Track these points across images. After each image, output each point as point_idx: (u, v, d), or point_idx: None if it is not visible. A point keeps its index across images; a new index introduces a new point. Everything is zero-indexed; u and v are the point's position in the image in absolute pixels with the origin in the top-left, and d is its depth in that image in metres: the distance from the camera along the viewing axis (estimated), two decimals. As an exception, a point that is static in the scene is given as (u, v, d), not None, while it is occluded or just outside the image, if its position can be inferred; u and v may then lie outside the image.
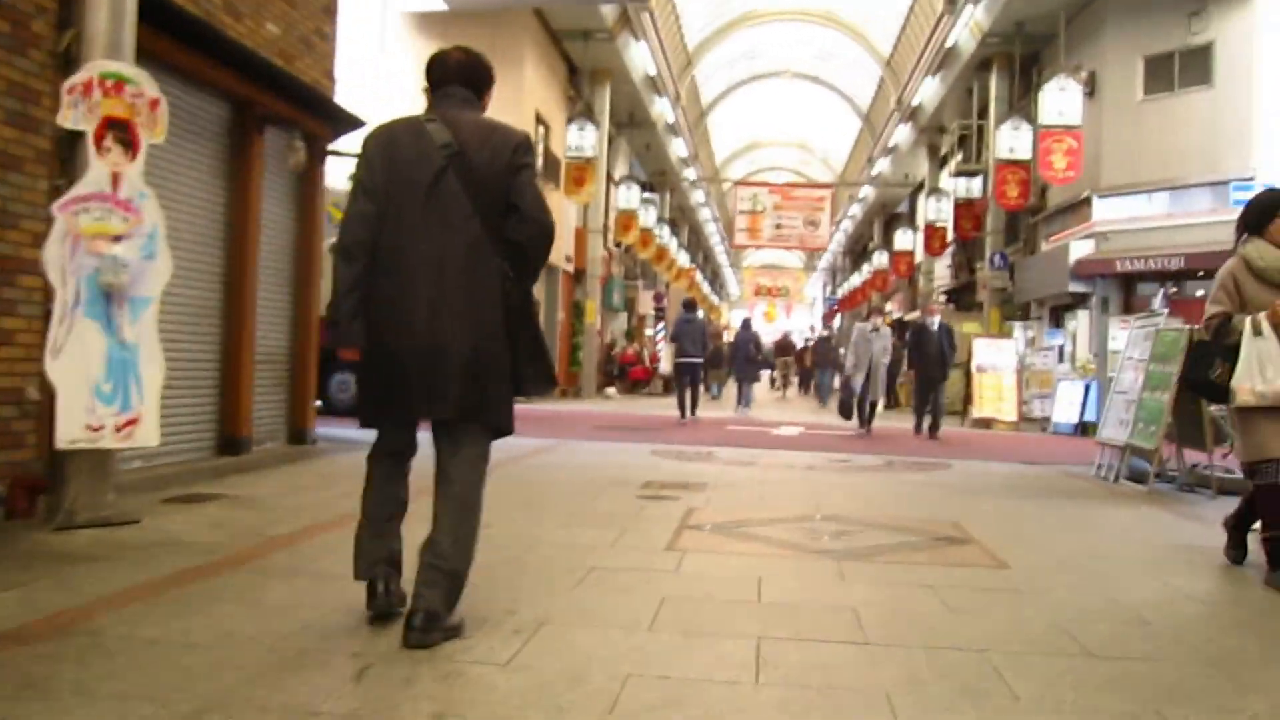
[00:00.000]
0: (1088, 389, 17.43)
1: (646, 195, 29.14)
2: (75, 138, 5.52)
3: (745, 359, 22.18)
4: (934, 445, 13.58)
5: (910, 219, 36.31)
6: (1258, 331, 4.89)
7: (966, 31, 22.75)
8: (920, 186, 33.71)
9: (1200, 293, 17.77)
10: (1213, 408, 10.32)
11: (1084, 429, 17.11)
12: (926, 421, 14.90)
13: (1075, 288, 19.50)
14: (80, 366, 5.29)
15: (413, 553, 3.54)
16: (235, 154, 8.55)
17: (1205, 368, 5.16)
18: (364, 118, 10.11)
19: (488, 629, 3.58)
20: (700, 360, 17.82)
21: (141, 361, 5.50)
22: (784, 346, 34.50)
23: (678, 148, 33.64)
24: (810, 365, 29.87)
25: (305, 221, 9.83)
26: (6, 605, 3.74)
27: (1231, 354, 4.99)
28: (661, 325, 36.06)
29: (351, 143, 10.31)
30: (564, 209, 23.77)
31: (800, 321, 65.19)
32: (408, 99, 3.92)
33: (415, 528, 3.63)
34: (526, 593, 4.15)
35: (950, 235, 26.74)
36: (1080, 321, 20.11)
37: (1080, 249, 19.31)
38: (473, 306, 3.46)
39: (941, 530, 6.18)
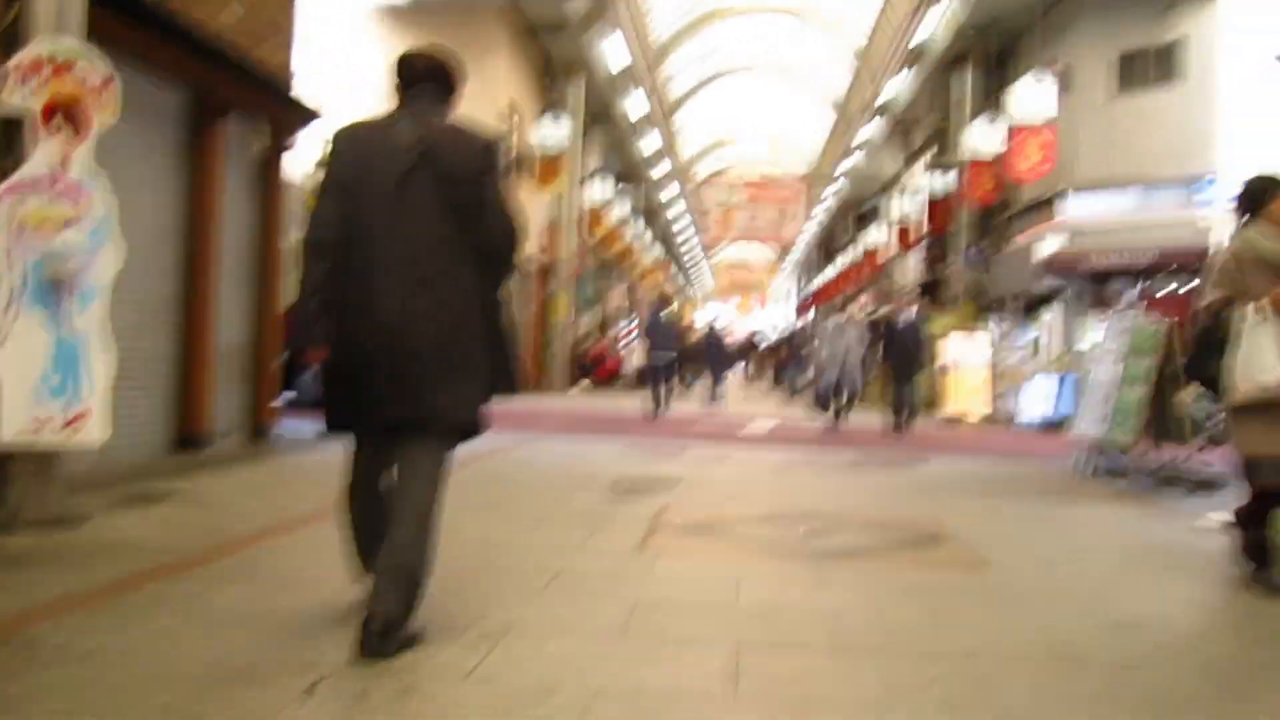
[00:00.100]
0: (1062, 382, 17.39)
1: (618, 189, 28.94)
2: (20, 119, 5.26)
3: (717, 354, 22.14)
4: (906, 441, 13.47)
5: (882, 214, 36.28)
6: (1261, 320, 4.63)
7: (941, 26, 22.68)
8: (892, 182, 33.67)
9: (1169, 289, 17.84)
10: (1189, 400, 10.31)
11: (1056, 424, 17.09)
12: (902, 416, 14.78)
13: (1047, 283, 19.48)
14: (26, 358, 5.03)
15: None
16: (193, 142, 8.30)
17: (1212, 358, 4.85)
18: (328, 108, 9.91)
19: (450, 637, 3.40)
20: (673, 356, 17.71)
21: (91, 353, 5.26)
22: (755, 341, 34.42)
23: (649, 142, 33.45)
24: (783, 360, 29.79)
25: (267, 212, 9.58)
26: (-64, 613, 3.53)
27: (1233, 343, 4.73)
28: (634, 320, 35.89)
29: (316, 133, 10.10)
30: (536, 202, 23.54)
31: (772, 316, 65.18)
32: (377, 90, 3.76)
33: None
34: (492, 597, 3.97)
35: (922, 230, 26.69)
36: (1052, 317, 20.10)
37: (1051, 245, 19.29)
38: (443, 307, 3.38)
39: (919, 529, 6.03)
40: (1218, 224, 15.72)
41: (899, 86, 27.20)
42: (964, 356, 19.21)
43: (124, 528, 5.18)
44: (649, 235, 36.53)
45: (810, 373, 26.80)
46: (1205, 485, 8.70)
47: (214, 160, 8.45)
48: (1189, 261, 16.84)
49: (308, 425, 10.46)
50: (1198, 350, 5.00)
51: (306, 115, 9.79)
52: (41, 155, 5.16)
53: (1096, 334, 13.21)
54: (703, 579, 4.49)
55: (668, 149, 37.62)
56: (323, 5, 16.37)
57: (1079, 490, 8.63)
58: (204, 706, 2.73)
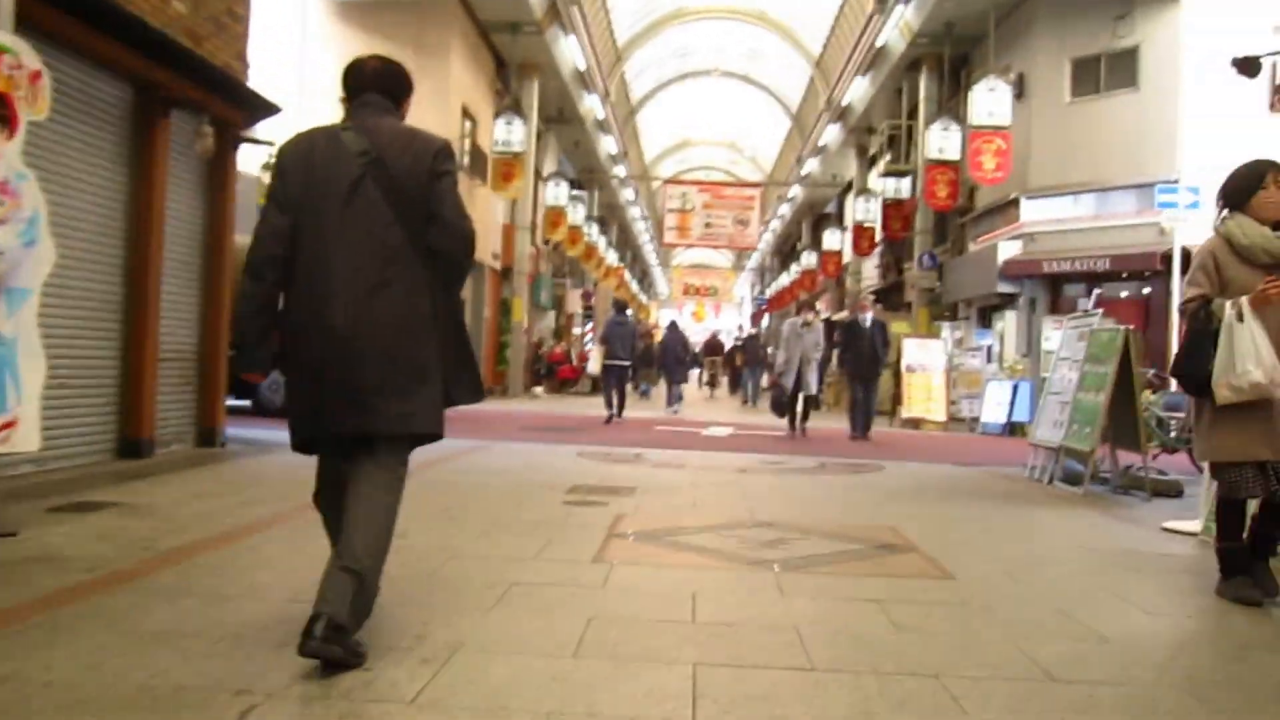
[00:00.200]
0: (1015, 389, 17.47)
1: (575, 193, 28.76)
2: (-56, 113, 5.01)
3: (675, 359, 22.06)
4: (865, 446, 13.42)
5: (839, 219, 36.41)
6: (1239, 317, 4.43)
7: (896, 32, 22.75)
8: (849, 187, 33.75)
9: (1124, 294, 17.97)
10: (1150, 403, 10.33)
11: (1012, 429, 17.15)
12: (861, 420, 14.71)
13: (1003, 288, 19.57)
14: (-50, 364, 4.80)
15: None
16: (137, 138, 8.06)
17: (1202, 360, 4.55)
18: (280, 104, 9.67)
19: (394, 657, 3.22)
20: (628, 362, 17.68)
21: (20, 358, 5.01)
22: (713, 346, 34.33)
23: (607, 145, 33.32)
24: (740, 365, 29.73)
25: (216, 211, 9.34)
26: None
27: (1215, 343, 4.51)
28: (590, 324, 35.73)
29: (267, 130, 9.85)
30: (491, 205, 23.30)
31: (729, 321, 65.24)
32: (329, 89, 3.65)
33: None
34: (440, 613, 3.79)
35: (879, 235, 26.77)
36: (1008, 322, 20.18)
37: (1008, 250, 19.38)
38: (394, 315, 3.33)
39: (881, 536, 5.93)
40: (1174, 228, 15.81)
41: (856, 92, 27.26)
42: (921, 361, 19.25)
43: (56, 540, 4.93)
44: (606, 239, 36.34)
45: (766, 378, 26.83)
46: (1164, 491, 8.70)
47: (159, 157, 8.21)
48: (1144, 267, 16.96)
49: (262, 431, 10.28)
50: (1187, 354, 4.73)
51: (259, 111, 9.54)
52: (-33, 151, 4.92)
53: (1054, 339, 13.22)
54: (660, 592, 4.33)
55: (625, 152, 37.48)
56: (276, 1, 16.04)
57: (1039, 496, 8.58)
58: (125, 738, 2.54)
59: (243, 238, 5.35)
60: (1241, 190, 4.72)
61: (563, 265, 34.13)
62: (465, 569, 4.62)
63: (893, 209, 24.53)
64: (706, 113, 45.34)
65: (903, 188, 24.39)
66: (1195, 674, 3.49)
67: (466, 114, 21.43)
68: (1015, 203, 19.45)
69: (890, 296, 28.13)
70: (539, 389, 26.14)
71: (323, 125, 3.56)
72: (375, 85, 3.59)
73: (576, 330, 35.67)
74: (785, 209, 45.11)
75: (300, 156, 3.43)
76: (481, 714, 2.77)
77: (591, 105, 28.78)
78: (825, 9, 29.22)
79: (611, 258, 37.58)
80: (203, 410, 9.18)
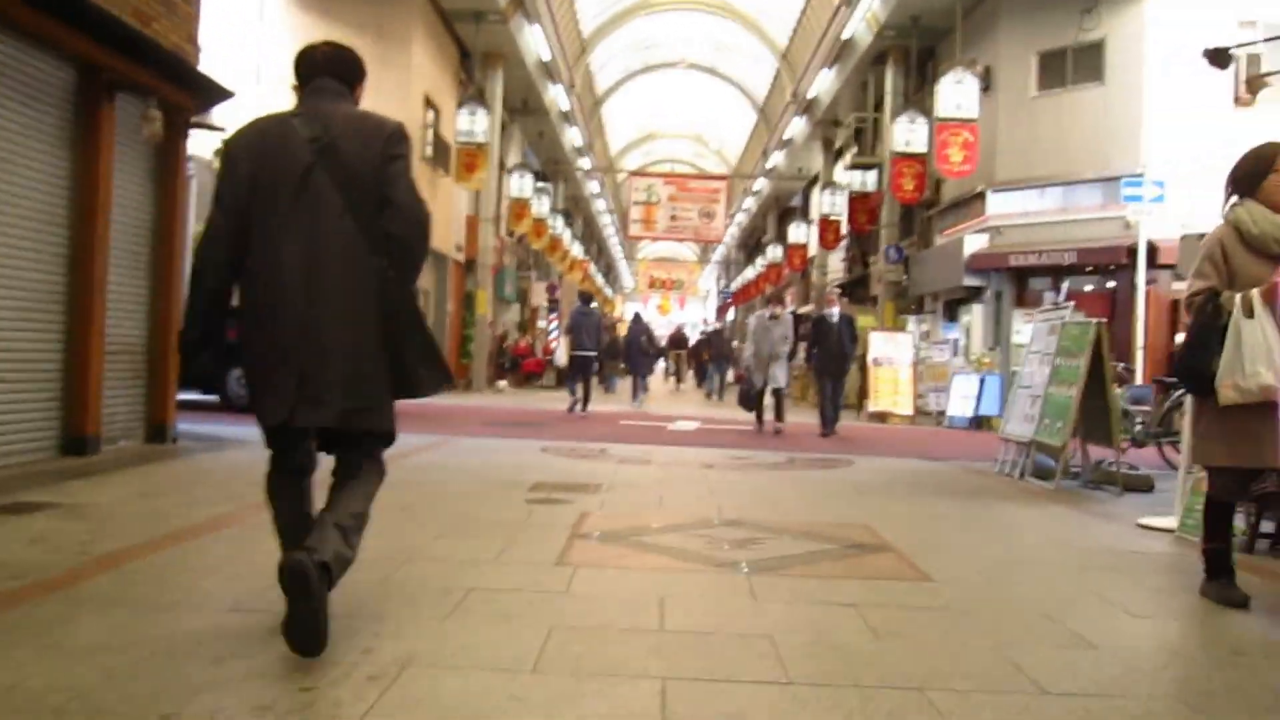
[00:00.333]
0: (983, 383, 17.42)
1: (540, 184, 28.46)
2: None
3: (639, 352, 21.85)
4: (833, 440, 13.26)
5: (804, 212, 36.32)
6: (1249, 312, 4.10)
7: (863, 24, 22.63)
8: (815, 180, 33.67)
9: (1089, 288, 17.94)
10: (1130, 403, 10.23)
11: (979, 423, 17.10)
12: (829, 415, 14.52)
13: (969, 281, 19.48)
14: None
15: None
16: (81, 122, 7.74)
17: (1206, 356, 4.24)
18: (233, 90, 9.35)
19: (338, 674, 2.97)
20: (594, 354, 17.50)
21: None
22: (678, 339, 34.17)
23: (572, 136, 33.01)
24: (705, 358, 29.58)
25: (165, 199, 9.02)
26: None
27: (1221, 338, 4.19)
28: (555, 317, 35.45)
29: (223, 116, 9.53)
30: (454, 196, 22.96)
31: (694, 314, 65.11)
32: (287, 76, 3.47)
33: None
34: (391, 622, 3.55)
35: (845, 229, 26.66)
36: (974, 315, 20.12)
37: (974, 243, 19.30)
38: (349, 309, 3.25)
39: (854, 535, 5.74)
40: (1139, 221, 15.81)
41: (822, 85, 27.14)
42: (888, 354, 19.18)
43: (-16, 544, 4.65)
44: (571, 231, 36.05)
45: (731, 372, 26.69)
46: (1136, 486, 8.60)
47: (104, 141, 7.89)
48: (1109, 260, 16.95)
49: (218, 426, 9.96)
50: (1190, 350, 4.41)
51: (210, 96, 9.22)
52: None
53: (1022, 333, 13.15)
54: (625, 598, 4.10)
55: (591, 144, 37.19)
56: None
57: (1010, 491, 8.44)
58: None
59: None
60: (1251, 175, 4.38)
61: (527, 258, 33.80)
62: (421, 573, 4.38)
63: (859, 202, 24.41)
64: (672, 105, 45.10)
65: (869, 181, 24.29)
66: (1189, 682, 3.33)
67: (429, 103, 21.08)
68: (981, 196, 19.38)
69: (856, 290, 28.05)
70: (503, 383, 25.85)
71: (273, 112, 3.45)
72: (327, 70, 3.49)
73: (541, 323, 35.36)
74: (751, 202, 44.99)
75: (249, 145, 3.33)
76: (432, 738, 2.55)
77: (556, 96, 28.48)
78: (792, 1, 29.05)
79: (576, 250, 37.31)
80: (152, 405, 8.85)
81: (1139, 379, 14.68)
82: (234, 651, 3.12)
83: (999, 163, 18.99)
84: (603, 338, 19.21)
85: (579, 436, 12.17)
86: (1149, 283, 15.84)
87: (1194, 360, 4.35)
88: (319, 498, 3.46)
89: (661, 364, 33.92)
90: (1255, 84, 13.47)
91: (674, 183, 41.03)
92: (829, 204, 27.66)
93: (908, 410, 18.93)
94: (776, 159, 35.64)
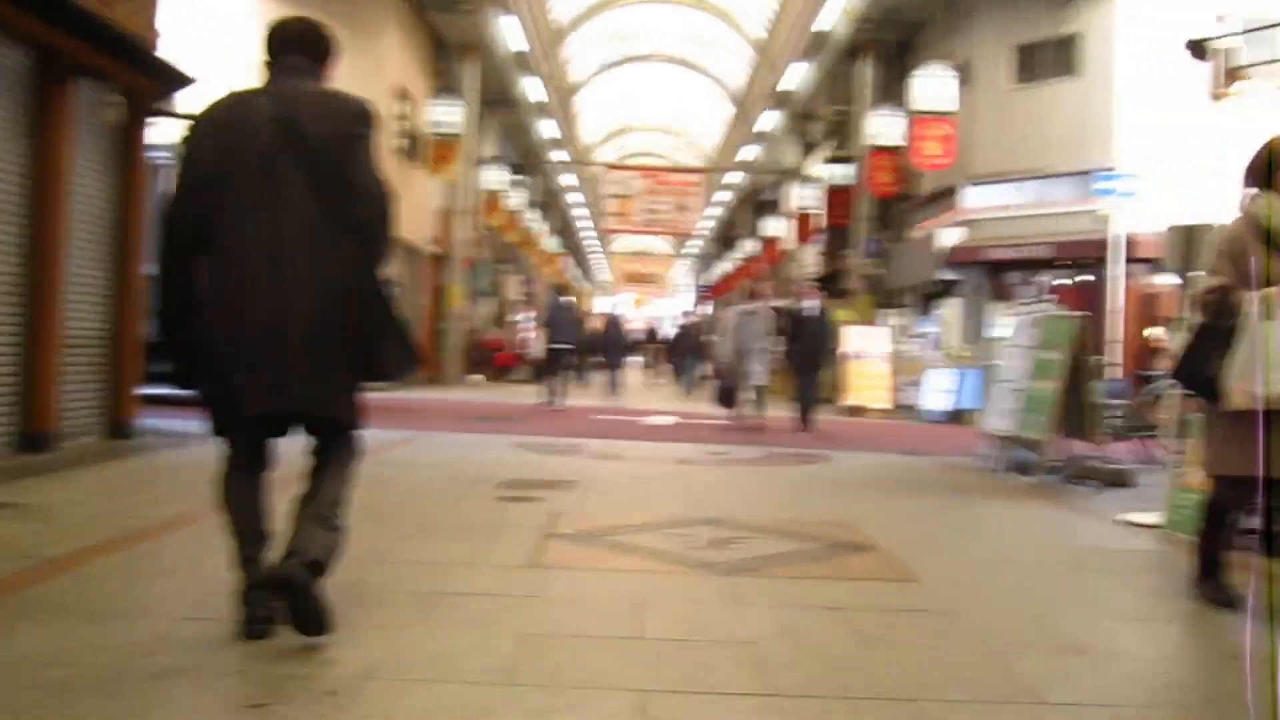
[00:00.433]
0: (959, 377, 17.34)
1: (515, 177, 28.21)
2: None
3: (614, 345, 21.72)
4: (811, 435, 13.13)
5: (781, 206, 36.22)
6: (1268, 314, 3.78)
7: (840, 17, 22.48)
8: (791, 173, 33.56)
9: (1063, 281, 17.92)
10: (1106, 396, 10.12)
11: (956, 416, 17.03)
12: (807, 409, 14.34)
13: (945, 275, 19.44)
14: None
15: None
16: (38, 108, 7.46)
17: (1206, 358, 4.00)
18: (197, 76, 9.10)
19: (295, 688, 2.79)
20: (571, 347, 17.33)
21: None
22: (652, 333, 34.04)
23: (547, 129, 32.74)
24: (680, 352, 29.43)
25: (126, 187, 8.74)
26: None
27: (1230, 339, 3.89)
28: (531, 311, 35.22)
29: (188, 103, 9.27)
30: (427, 188, 22.69)
31: (670, 308, 64.97)
32: (257, 65, 3.30)
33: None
34: (355, 630, 3.35)
35: (821, 222, 26.56)
36: (950, 309, 20.08)
37: (950, 236, 19.25)
38: (313, 293, 3.16)
39: (836, 534, 5.59)
40: (1112, 215, 15.78)
41: (798, 77, 27.01)
42: (864, 348, 19.09)
43: (-74, 548, 4.42)
44: (547, 224, 35.82)
45: (709, 366, 26.52)
46: (1117, 481, 8.50)
47: (62, 128, 7.62)
48: (1085, 254, 16.91)
49: (184, 422, 9.70)
50: (1190, 351, 4.19)
51: (173, 82, 8.96)
52: None
53: (1001, 326, 13.04)
54: (601, 602, 3.94)
55: (566, 136, 36.95)
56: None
57: (992, 487, 8.33)
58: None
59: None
60: (1272, 165, 4.09)
61: (502, 251, 33.53)
62: (388, 577, 4.19)
63: (835, 196, 24.31)
64: (648, 98, 44.89)
65: (845, 174, 24.17)
66: (1189, 689, 3.20)
67: (402, 94, 20.81)
68: (957, 190, 19.32)
69: (832, 284, 27.93)
70: (477, 376, 25.62)
71: (237, 91, 3.36)
72: (296, 47, 3.42)
73: (516, 317, 35.11)
74: (727, 196, 44.84)
75: (212, 126, 3.25)
76: (394, 760, 2.37)
77: (531, 88, 28.21)
78: (768, -5, 28.96)
79: (551, 244, 37.08)
80: (114, 400, 8.60)
81: (1117, 373, 14.65)
82: (184, 663, 2.94)
83: (975, 156, 18.93)
84: (579, 332, 19.07)
85: (554, 431, 11.99)
86: (1124, 276, 15.81)
87: (1193, 363, 4.13)
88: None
89: (637, 358, 33.77)
90: (1234, 77, 13.43)
91: (649, 176, 40.91)
92: (805, 197, 27.56)
93: (884, 404, 18.83)
94: (753, 152, 35.51)
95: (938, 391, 17.72)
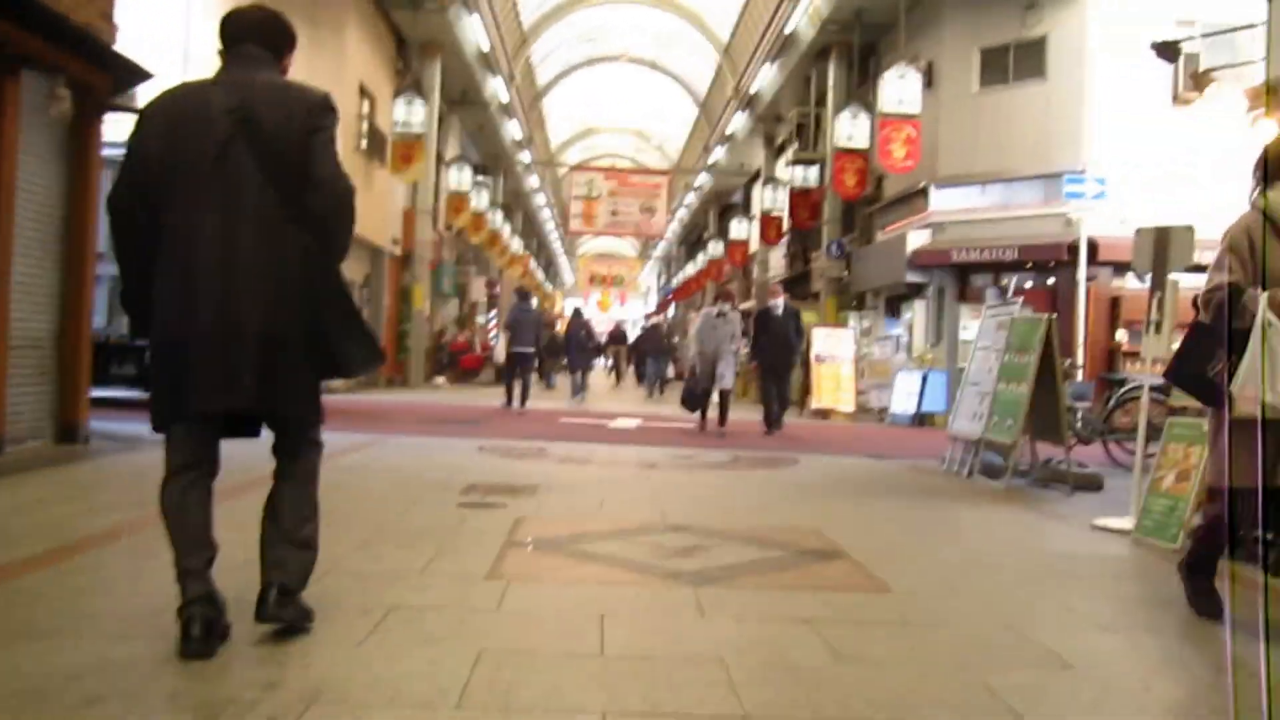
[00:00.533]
0: (925, 379, 17.32)
1: (479, 178, 27.96)
2: None
3: (579, 347, 21.56)
4: (777, 438, 13.01)
5: (746, 208, 36.16)
6: (1275, 315, 3.61)
7: (806, 19, 22.44)
8: (756, 175, 33.51)
9: (1031, 284, 17.93)
10: (1071, 399, 10.04)
11: (921, 420, 17.01)
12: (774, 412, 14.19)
13: (911, 278, 19.38)
14: None
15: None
16: (-22, 101, 7.21)
17: (1203, 360, 3.85)
18: (152, 70, 8.84)
19: (235, 712, 2.60)
20: (533, 350, 17.14)
21: None
22: (617, 335, 33.85)
23: (512, 130, 32.49)
24: (644, 354, 29.29)
25: (78, 184, 8.49)
26: None
27: (1239, 341, 3.67)
28: (494, 313, 34.98)
29: (144, 97, 9.01)
30: (390, 188, 22.40)
31: (635, 311, 64.81)
32: (215, 61, 3.13)
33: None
34: (300, 649, 3.16)
35: (786, 225, 26.50)
36: (917, 311, 20.06)
37: (917, 239, 19.19)
38: (267, 288, 3.08)
39: (804, 541, 5.45)
40: (1080, 219, 15.79)
41: (763, 80, 26.96)
42: (830, 351, 19.04)
43: None
44: (511, 226, 35.55)
45: (671, 369, 26.44)
46: (1085, 484, 8.44)
47: (6, 121, 7.39)
48: (1050, 257, 16.91)
49: (126, 426, 9.43)
50: (1186, 351, 4.03)
51: (126, 75, 8.70)
52: None
53: (971, 329, 13.01)
54: (562, 616, 3.76)
55: (531, 138, 36.70)
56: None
57: (960, 491, 8.24)
58: None
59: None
60: None
61: (466, 252, 33.24)
62: (338, 589, 3.98)
63: (800, 198, 24.22)
64: (614, 99, 44.69)
65: (811, 176, 24.09)
66: (1176, 704, 3.08)
67: (364, 92, 20.52)
68: (924, 192, 19.28)
69: (797, 286, 27.90)
70: (441, 379, 25.36)
71: (191, 80, 3.29)
72: (254, 36, 3.31)
73: (480, 319, 34.84)
74: (692, 198, 44.74)
75: (163, 116, 3.16)
76: (335, 795, 2.19)
77: (496, 88, 27.96)
78: (734, -3, 28.86)
79: (516, 245, 36.82)
80: (62, 403, 8.35)
81: (1080, 375, 14.64)
82: (114, 688, 2.73)
83: (941, 159, 18.90)
84: (542, 334, 18.89)
85: (517, 435, 11.80)
86: (1089, 279, 15.83)
87: (1186, 366, 3.97)
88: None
89: (602, 361, 33.60)
90: (1202, 80, 13.47)
91: (615, 178, 40.77)
92: (771, 200, 27.48)
93: (850, 407, 18.79)
94: (718, 154, 35.43)
95: (903, 394, 17.69)
